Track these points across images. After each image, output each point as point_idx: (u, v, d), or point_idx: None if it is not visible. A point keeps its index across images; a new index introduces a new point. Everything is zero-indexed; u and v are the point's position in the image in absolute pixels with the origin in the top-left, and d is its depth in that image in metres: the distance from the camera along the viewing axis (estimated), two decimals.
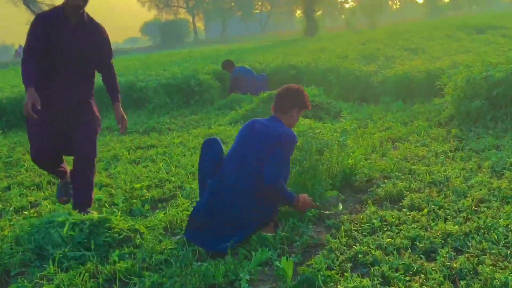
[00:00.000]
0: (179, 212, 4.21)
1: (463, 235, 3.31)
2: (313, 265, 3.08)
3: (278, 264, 3.03)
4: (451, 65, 9.61)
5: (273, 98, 3.99)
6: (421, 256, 3.13)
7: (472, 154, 5.16)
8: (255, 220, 3.66)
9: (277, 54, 16.20)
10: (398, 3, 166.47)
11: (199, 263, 3.25)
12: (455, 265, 2.94)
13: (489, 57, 7.63)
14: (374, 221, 3.69)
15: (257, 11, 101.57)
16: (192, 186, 4.90)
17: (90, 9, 4.25)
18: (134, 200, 4.70)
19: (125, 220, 4.02)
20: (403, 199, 4.14)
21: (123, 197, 4.81)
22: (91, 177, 4.26)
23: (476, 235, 3.29)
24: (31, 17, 67.19)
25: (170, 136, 7.74)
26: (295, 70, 11.38)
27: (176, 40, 67.16)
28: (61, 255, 3.44)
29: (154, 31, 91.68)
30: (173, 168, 5.66)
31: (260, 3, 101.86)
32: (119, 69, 14.55)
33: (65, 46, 4.06)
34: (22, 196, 5.24)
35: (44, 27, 3.98)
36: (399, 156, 5.32)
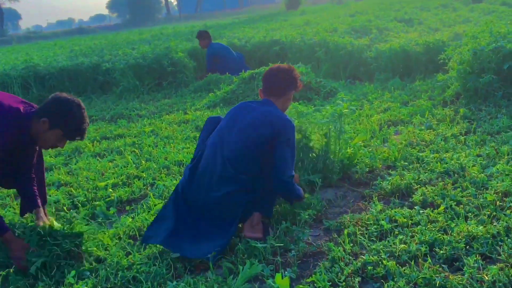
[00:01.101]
0: (151, 216, 3.81)
1: (491, 238, 2.96)
2: (314, 283, 2.70)
3: (272, 284, 2.65)
4: (452, 36, 9.29)
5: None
6: (443, 265, 2.78)
7: (486, 138, 4.82)
8: (235, 213, 3.40)
9: (258, 29, 15.73)
10: None
11: (174, 282, 2.85)
12: (486, 278, 2.59)
13: (496, 27, 7.27)
14: (382, 222, 3.33)
15: None
16: (166, 183, 4.49)
17: None
18: (97, 202, 4.27)
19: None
20: (413, 194, 3.79)
21: (84, 198, 4.39)
22: None
23: (506, 238, 2.94)
24: None
25: (140, 124, 7.30)
26: (279, 46, 10.94)
27: (147, 17, 66.25)
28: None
29: (122, 7, 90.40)
30: (143, 162, 5.24)
31: None
32: (83, 49, 14.02)
33: None
34: None
35: None
36: (403, 142, 4.96)
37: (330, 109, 4.39)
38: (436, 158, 4.39)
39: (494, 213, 3.29)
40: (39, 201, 3.59)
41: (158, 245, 3.33)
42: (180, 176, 4.81)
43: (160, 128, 6.81)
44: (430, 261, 2.80)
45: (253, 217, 3.49)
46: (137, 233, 3.61)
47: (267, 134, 3.40)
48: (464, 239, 2.99)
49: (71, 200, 4.39)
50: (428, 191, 3.73)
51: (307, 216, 3.52)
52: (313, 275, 2.77)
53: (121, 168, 5.15)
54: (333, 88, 8.04)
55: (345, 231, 3.25)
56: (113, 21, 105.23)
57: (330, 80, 8.92)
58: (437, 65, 7.83)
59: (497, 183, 3.70)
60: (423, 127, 5.43)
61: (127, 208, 4.10)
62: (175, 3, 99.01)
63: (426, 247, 2.96)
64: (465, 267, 2.69)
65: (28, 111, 3.36)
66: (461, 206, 3.43)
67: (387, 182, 4.02)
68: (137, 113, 8.18)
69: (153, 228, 3.45)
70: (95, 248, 3.35)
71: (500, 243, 2.91)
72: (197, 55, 11.20)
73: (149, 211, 3.95)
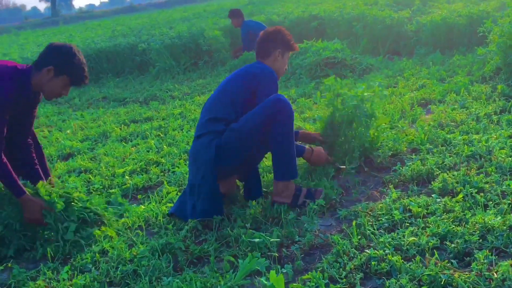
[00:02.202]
0: (162, 204, 3.77)
1: (508, 230, 2.78)
2: (310, 280, 2.60)
3: (265, 282, 2.55)
4: (499, 7, 8.83)
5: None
6: (452, 261, 2.61)
7: None
8: (207, 160, 3.50)
9: (298, 3, 15.44)
10: None
11: (170, 278, 2.80)
12: (495, 275, 2.42)
13: None
14: (395, 212, 3.18)
15: None
16: (183, 169, 4.44)
17: None
18: (113, 190, 4.27)
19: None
20: (434, 180, 3.61)
21: (101, 186, 4.39)
22: None
23: None
24: None
25: (171, 106, 7.28)
26: (317, 21, 10.70)
27: None
28: None
29: None
30: (165, 147, 5.21)
31: None
32: (124, 29, 14.13)
33: None
34: None
35: None
36: (431, 123, 4.74)
37: (359, 92, 4.22)
38: (464, 140, 4.17)
39: None
40: (41, 173, 3.63)
41: (163, 236, 3.30)
42: None
43: (189, 110, 6.77)
44: (437, 256, 2.64)
45: (274, 185, 3.55)
46: (143, 224, 3.58)
47: (248, 83, 3.61)
48: (478, 231, 2.81)
49: (88, 188, 4.40)
50: (449, 177, 3.54)
51: (315, 206, 3.40)
52: (309, 273, 2.66)
53: (142, 153, 5.13)
54: (370, 64, 7.82)
55: (354, 222, 3.11)
56: None
57: (368, 55, 8.67)
58: (480, 38, 7.45)
59: None
60: (456, 106, 5.18)
61: (139, 196, 4.07)
62: None
63: (437, 240, 2.80)
64: (474, 263, 2.53)
65: (25, 67, 3.41)
66: (482, 194, 3.24)
67: (407, 167, 3.84)
68: (170, 94, 8.18)
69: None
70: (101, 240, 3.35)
71: None
72: (235, 33, 11.08)
73: (162, 200, 3.91)
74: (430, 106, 5.42)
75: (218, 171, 3.48)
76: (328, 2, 13.67)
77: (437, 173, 3.69)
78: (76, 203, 3.52)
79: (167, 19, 18.40)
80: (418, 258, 2.64)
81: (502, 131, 4.23)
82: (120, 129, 6.26)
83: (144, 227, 3.56)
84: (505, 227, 2.79)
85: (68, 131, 6.44)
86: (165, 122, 6.33)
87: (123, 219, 3.66)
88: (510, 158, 3.65)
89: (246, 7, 16.60)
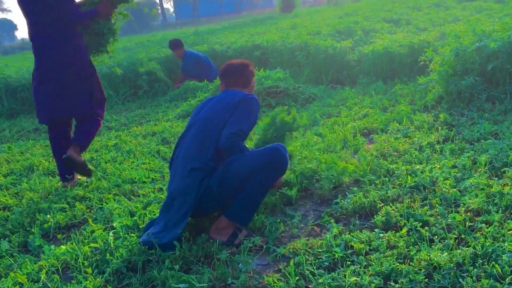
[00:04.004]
0: (84, 245, 3.43)
1: (455, 268, 2.59)
2: None
3: None
4: (438, 36, 8.91)
5: None
6: None
7: (465, 146, 4.44)
8: (190, 194, 3.36)
9: (244, 34, 15.35)
10: None
11: None
12: None
13: (482, 25, 6.88)
14: (336, 249, 2.95)
15: None
16: (111, 205, 4.11)
17: None
18: (33, 229, 3.89)
19: None
20: (377, 213, 3.41)
21: (19, 224, 4.01)
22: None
23: (471, 268, 2.56)
24: None
25: (105, 137, 6.92)
26: (260, 50, 10.58)
27: (143, 24, 65.71)
28: None
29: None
30: (94, 181, 4.86)
31: None
32: None
33: None
34: None
35: None
36: (374, 153, 4.58)
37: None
38: (407, 171, 4.01)
39: (463, 236, 2.92)
40: None
41: (82, 281, 2.96)
42: (132, 195, 4.46)
43: (124, 142, 6.44)
44: None
45: (220, 220, 3.34)
46: (60, 268, 3.23)
47: (232, 103, 3.58)
48: (424, 270, 2.61)
49: (5, 227, 4.01)
50: (392, 210, 3.36)
51: (251, 244, 3.14)
52: None
53: (69, 188, 4.77)
54: (313, 94, 7.70)
55: (291, 262, 2.86)
56: None
57: (311, 85, 8.57)
58: (421, 67, 7.44)
59: (470, 199, 3.32)
60: (399, 135, 5.05)
61: (59, 236, 3.70)
62: (172, 10, 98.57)
63: (380, 280, 2.58)
64: None
65: None
66: (427, 228, 3.06)
67: (349, 200, 3.64)
68: (107, 126, 7.82)
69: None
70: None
71: (465, 275, 2.53)
72: (175, 63, 10.84)
73: (84, 240, 3.56)
74: (372, 135, 5.28)
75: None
76: (271, 32, 13.62)
77: (380, 205, 3.51)
78: None
79: None
80: None
81: (446, 160, 4.10)
82: (49, 162, 5.85)
83: (61, 271, 3.21)
84: (452, 265, 2.61)
85: None
86: (97, 154, 5.98)
87: (39, 262, 3.30)
88: (454, 189, 3.50)
89: (189, 37, 16.41)
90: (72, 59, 4.71)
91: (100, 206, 4.26)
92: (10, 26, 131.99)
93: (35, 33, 4.69)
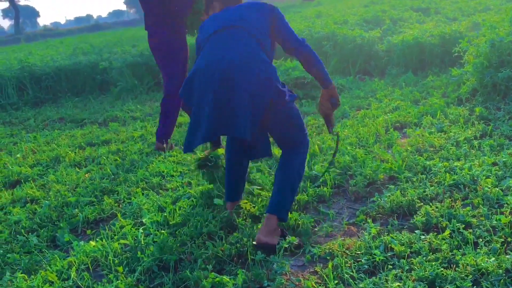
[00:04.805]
0: (114, 241, 3.36)
1: (504, 275, 2.46)
2: None
3: None
4: (470, 26, 8.68)
5: None
6: None
7: (504, 142, 4.28)
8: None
9: None
10: None
11: None
12: None
13: None
14: (376, 251, 2.84)
15: None
16: (140, 200, 4.04)
17: None
18: (61, 224, 3.83)
19: None
20: (416, 213, 3.28)
21: (47, 218, 3.95)
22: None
23: None
24: None
25: (131, 128, 6.86)
26: None
27: None
28: None
29: (139, 3, 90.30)
30: (121, 174, 4.80)
31: None
32: (84, 47, 13.67)
33: None
34: None
35: None
36: (409, 148, 4.44)
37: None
38: (445, 168, 3.87)
39: (509, 239, 2.79)
40: None
41: (113, 280, 2.89)
42: (160, 189, 4.38)
43: (150, 133, 6.37)
44: None
45: (270, 219, 3.12)
46: (90, 265, 3.16)
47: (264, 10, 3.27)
48: (471, 276, 2.49)
49: (33, 221, 3.95)
50: (432, 210, 3.23)
51: (286, 245, 3.04)
52: None
53: (96, 181, 4.70)
54: (340, 85, 7.56)
55: (330, 264, 2.76)
56: (131, 17, 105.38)
57: (338, 75, 8.42)
58: (453, 58, 7.25)
59: None
60: (433, 129, 4.91)
61: (88, 232, 3.64)
62: None
63: (424, 286, 2.47)
64: None
65: None
66: (470, 230, 2.93)
67: (386, 198, 3.51)
68: (132, 115, 7.77)
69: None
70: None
71: None
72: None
73: (114, 236, 3.49)
74: (405, 130, 5.13)
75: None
76: (296, 21, 13.42)
77: (419, 205, 3.38)
78: None
79: (132, 37, 17.93)
80: None
81: (485, 157, 3.95)
82: (75, 153, 5.81)
83: (91, 268, 3.14)
84: (501, 271, 2.47)
85: (18, 155, 5.97)
86: (124, 145, 5.91)
87: (68, 259, 3.23)
88: (496, 189, 3.35)
89: None
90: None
91: (129, 200, 4.19)
92: (33, 13, 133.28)
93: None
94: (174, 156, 5.17)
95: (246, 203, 3.59)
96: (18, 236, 3.69)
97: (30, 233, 3.74)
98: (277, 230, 3.15)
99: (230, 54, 3.08)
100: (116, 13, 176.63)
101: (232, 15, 3.29)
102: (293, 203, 3.50)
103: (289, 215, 3.32)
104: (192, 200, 3.87)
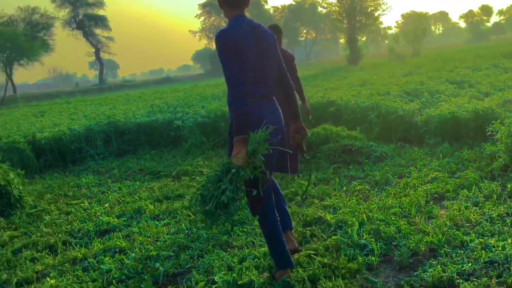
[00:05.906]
0: None
1: None
2: None
3: None
4: (501, 103, 8.61)
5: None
6: None
7: None
8: None
9: (318, 88, 15.41)
10: (441, 28, 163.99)
11: None
12: None
13: None
14: None
15: (303, 38, 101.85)
16: (212, 256, 4.17)
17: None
18: (146, 276, 4.00)
19: None
20: None
21: (134, 270, 4.13)
22: None
23: None
24: (90, 49, 70.14)
25: (198, 183, 7.04)
26: (335, 107, 10.57)
27: None
28: None
29: (204, 59, 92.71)
30: (194, 230, 4.96)
31: (305, 31, 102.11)
32: (160, 104, 14.15)
33: None
34: (30, 262, 4.64)
35: None
36: (448, 223, 4.45)
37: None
38: (481, 244, 3.87)
39: None
40: None
41: None
42: (228, 247, 4.50)
43: None
44: None
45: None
46: None
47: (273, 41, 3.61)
48: None
49: (122, 271, 4.14)
50: (470, 287, 3.24)
51: None
52: None
53: (172, 235, 4.88)
54: (383, 152, 7.59)
55: None
56: (197, 71, 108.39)
57: (381, 142, 8.47)
58: (485, 133, 7.21)
59: None
60: (469, 203, 4.89)
61: (169, 286, 3.78)
62: None
63: None
64: None
65: None
66: None
67: (429, 273, 3.53)
68: (200, 170, 7.98)
69: None
70: None
71: None
72: None
73: None
74: (444, 202, 5.13)
75: None
76: (343, 89, 13.59)
77: (458, 281, 3.39)
78: None
79: (200, 94, 18.50)
80: None
81: None
82: (154, 206, 6.03)
83: None
84: None
85: (106, 205, 6.24)
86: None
87: None
88: None
89: None
90: None
91: (201, 257, 4.32)
92: (114, 66, 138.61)
93: None
94: (239, 215, 5.30)
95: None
96: (110, 286, 3.87)
97: (119, 283, 3.92)
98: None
99: None
100: (184, 68, 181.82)
101: None
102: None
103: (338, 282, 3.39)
104: (256, 261, 3.97)
